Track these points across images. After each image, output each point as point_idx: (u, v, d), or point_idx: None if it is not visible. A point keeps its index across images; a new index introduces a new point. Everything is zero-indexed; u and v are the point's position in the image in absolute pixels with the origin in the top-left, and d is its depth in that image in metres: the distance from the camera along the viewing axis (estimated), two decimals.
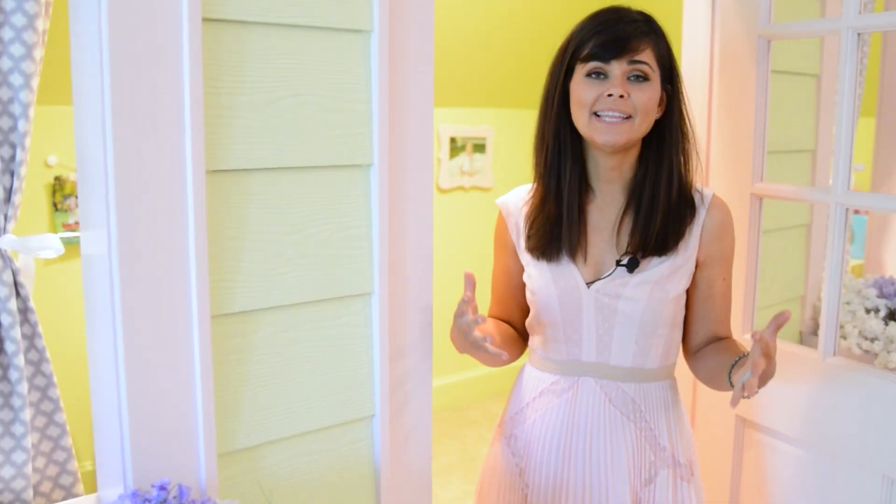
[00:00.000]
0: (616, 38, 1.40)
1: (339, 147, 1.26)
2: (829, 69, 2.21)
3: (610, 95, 1.40)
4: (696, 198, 1.51)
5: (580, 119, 1.44)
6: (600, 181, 1.50)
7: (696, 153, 1.52)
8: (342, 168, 1.27)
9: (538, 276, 1.52)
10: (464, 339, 1.37)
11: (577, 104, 1.44)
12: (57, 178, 3.19)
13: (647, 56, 1.41)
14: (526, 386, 1.60)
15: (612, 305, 1.47)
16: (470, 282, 1.35)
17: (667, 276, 1.47)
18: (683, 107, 1.50)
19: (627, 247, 1.48)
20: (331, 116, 1.24)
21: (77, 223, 3.31)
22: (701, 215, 1.49)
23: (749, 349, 1.38)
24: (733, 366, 1.39)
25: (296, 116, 1.21)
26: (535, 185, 1.55)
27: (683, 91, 1.50)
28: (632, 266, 1.46)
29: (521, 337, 1.65)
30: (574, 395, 1.52)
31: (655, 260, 1.47)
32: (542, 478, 1.54)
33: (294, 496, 1.29)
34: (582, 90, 1.42)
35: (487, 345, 1.33)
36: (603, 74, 1.42)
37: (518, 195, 1.60)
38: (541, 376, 1.57)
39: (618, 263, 1.47)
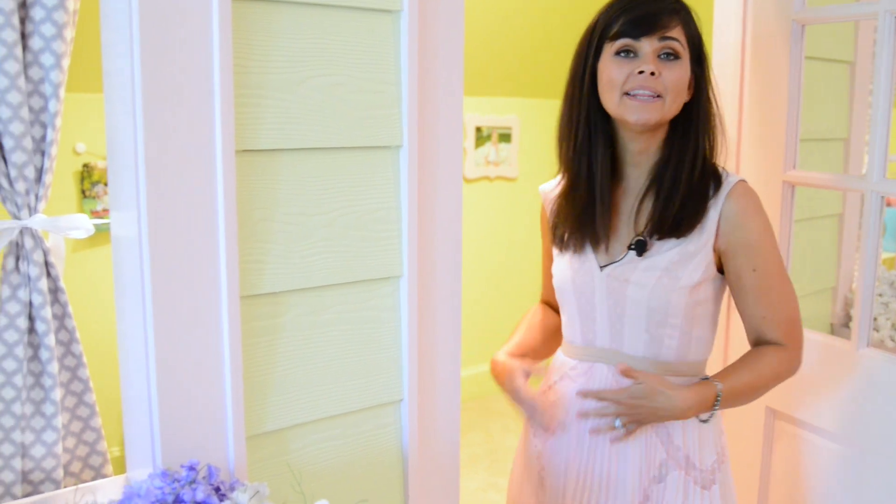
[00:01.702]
0: (646, 14, 1.38)
1: (369, 128, 1.25)
2: (863, 55, 2.18)
3: (640, 73, 1.37)
4: (718, 183, 1.45)
5: (610, 99, 1.41)
6: (628, 165, 1.48)
7: (724, 137, 1.49)
8: (371, 149, 1.26)
9: (557, 259, 1.54)
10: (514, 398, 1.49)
11: (606, 84, 1.41)
12: (85, 166, 3.21)
13: (677, 33, 1.39)
14: (551, 370, 1.59)
15: (622, 290, 1.44)
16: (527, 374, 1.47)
17: (676, 262, 1.42)
18: (711, 90, 1.47)
19: (643, 229, 1.45)
20: (360, 97, 1.24)
21: (105, 210, 3.33)
22: (720, 202, 1.42)
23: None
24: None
25: (325, 97, 1.20)
26: (562, 174, 1.53)
27: (711, 74, 1.47)
28: (639, 249, 1.43)
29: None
30: (587, 380, 1.49)
31: (666, 245, 1.43)
32: (556, 461, 1.53)
33: (321, 479, 1.29)
34: (611, 69, 1.40)
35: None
36: (633, 52, 1.39)
37: (554, 182, 1.59)
38: (564, 360, 1.56)
39: (629, 247, 1.45)
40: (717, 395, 1.40)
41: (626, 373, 1.40)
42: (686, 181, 1.42)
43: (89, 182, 3.28)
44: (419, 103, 1.28)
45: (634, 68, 1.38)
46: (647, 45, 1.38)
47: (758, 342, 1.48)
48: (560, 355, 1.59)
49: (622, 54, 1.39)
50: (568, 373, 1.54)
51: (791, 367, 1.46)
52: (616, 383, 1.46)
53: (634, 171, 1.48)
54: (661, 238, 1.43)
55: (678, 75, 1.39)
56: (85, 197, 3.28)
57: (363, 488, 1.33)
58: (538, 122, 4.49)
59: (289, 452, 1.26)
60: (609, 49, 1.41)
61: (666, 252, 1.43)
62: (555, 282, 1.54)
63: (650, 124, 1.40)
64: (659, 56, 1.38)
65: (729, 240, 1.43)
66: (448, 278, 1.36)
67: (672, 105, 1.40)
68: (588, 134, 1.46)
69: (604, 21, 1.43)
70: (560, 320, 1.60)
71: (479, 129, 4.28)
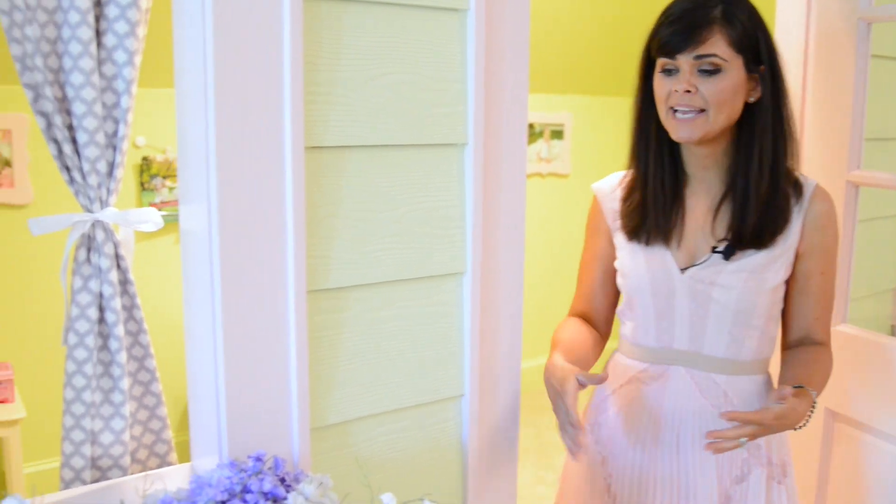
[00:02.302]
0: (682, 30, 1.35)
1: (435, 126, 1.26)
2: None
3: (676, 91, 1.36)
4: (799, 188, 1.45)
5: (660, 113, 1.41)
6: (696, 168, 1.47)
7: (794, 139, 1.47)
8: (437, 147, 1.27)
9: (630, 259, 1.50)
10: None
11: (657, 100, 1.41)
12: (144, 159, 3.28)
13: (715, 46, 1.35)
14: (612, 374, 1.58)
15: (707, 293, 1.43)
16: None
17: (764, 265, 1.42)
18: (780, 89, 1.44)
19: (725, 235, 1.44)
20: (427, 95, 1.25)
21: (163, 202, 3.39)
22: (803, 206, 1.43)
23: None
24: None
25: (392, 95, 1.22)
26: (629, 171, 1.53)
27: (780, 73, 1.43)
28: (728, 253, 1.42)
29: (601, 336, 1.59)
30: (663, 384, 1.48)
31: (751, 249, 1.43)
32: (627, 468, 1.51)
33: (382, 472, 1.30)
34: (658, 86, 1.40)
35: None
36: (673, 69, 1.38)
37: (613, 180, 1.57)
38: (629, 364, 1.54)
39: (713, 250, 1.44)
40: (814, 402, 1.39)
41: (734, 418, 1.30)
42: (756, 187, 1.41)
43: (148, 175, 3.34)
44: (485, 101, 1.28)
45: (674, 86, 1.37)
46: (685, 63, 1.36)
47: (800, 342, 1.50)
48: (622, 359, 1.57)
49: (665, 72, 1.39)
50: (637, 376, 1.52)
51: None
52: (695, 386, 1.46)
53: (704, 173, 1.47)
54: (742, 250, 1.43)
55: (719, 88, 1.36)
56: (143, 189, 3.35)
57: (423, 482, 1.34)
58: (591, 119, 4.46)
59: (350, 445, 1.27)
60: (658, 64, 1.41)
61: (752, 255, 1.43)
62: (628, 282, 1.51)
63: (694, 140, 1.39)
64: (698, 70, 1.36)
65: (810, 242, 1.44)
66: (510, 276, 1.37)
67: (718, 117, 1.37)
68: (652, 139, 1.46)
69: (653, 33, 1.42)
70: (590, 341, 1.55)
71: (531, 126, 4.27)
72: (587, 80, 4.38)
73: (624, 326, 1.57)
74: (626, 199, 1.51)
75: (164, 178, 3.40)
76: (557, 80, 4.28)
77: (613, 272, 1.55)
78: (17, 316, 3.26)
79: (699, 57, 1.35)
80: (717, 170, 1.46)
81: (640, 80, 1.47)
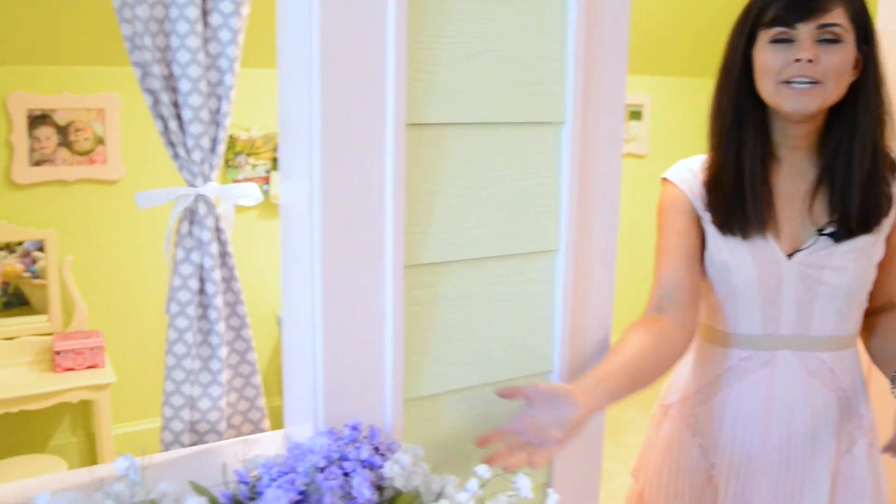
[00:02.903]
0: None
1: (533, 104, 1.26)
2: None
3: (798, 60, 1.32)
4: (893, 166, 1.43)
5: (766, 87, 1.38)
6: (787, 149, 1.44)
7: (892, 119, 1.44)
8: (535, 125, 1.27)
9: (730, 252, 1.46)
10: None
11: (762, 72, 1.37)
12: (230, 137, 3.36)
13: (837, 16, 1.32)
14: (707, 364, 1.56)
15: (817, 276, 1.42)
16: None
17: (871, 242, 1.42)
18: (879, 69, 1.41)
19: (829, 218, 1.42)
20: (526, 73, 1.25)
21: (245, 179, 3.47)
22: None
23: None
24: None
25: (493, 73, 1.23)
26: (710, 157, 1.50)
27: (879, 52, 1.40)
28: (839, 236, 1.40)
29: (684, 330, 1.44)
30: (771, 370, 1.47)
31: (862, 233, 1.42)
32: (735, 456, 1.50)
33: (470, 446, 1.32)
34: (767, 57, 1.36)
35: None
36: (789, 39, 1.34)
37: (692, 166, 1.53)
38: (726, 353, 1.52)
39: (819, 233, 1.41)
40: None
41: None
42: (859, 168, 1.38)
43: (232, 152, 3.42)
44: (584, 80, 1.28)
45: (791, 56, 1.33)
46: (804, 32, 1.33)
47: (883, 308, 1.51)
48: (714, 349, 1.54)
49: (778, 42, 1.35)
50: (738, 365, 1.50)
51: None
52: (804, 368, 1.45)
53: (795, 154, 1.44)
54: (851, 234, 1.42)
55: (839, 60, 1.33)
56: (228, 166, 3.43)
57: None
58: (670, 100, 4.40)
59: (441, 417, 1.30)
60: (764, 36, 1.37)
61: (862, 235, 1.42)
62: (732, 275, 1.46)
63: (808, 113, 1.36)
64: (817, 41, 1.33)
65: None
66: (603, 256, 1.37)
67: (834, 91, 1.35)
68: (738, 120, 1.43)
69: (758, 6, 1.38)
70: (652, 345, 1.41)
71: None
72: (666, 61, 4.32)
73: (714, 317, 1.53)
74: (714, 186, 1.48)
75: (248, 155, 3.48)
76: (636, 60, 4.22)
77: (700, 257, 1.51)
78: (108, 287, 3.39)
79: (822, 26, 1.32)
80: (809, 151, 1.43)
81: (732, 56, 1.43)
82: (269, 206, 3.58)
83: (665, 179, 1.55)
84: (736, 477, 1.50)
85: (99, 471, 1.13)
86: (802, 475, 1.46)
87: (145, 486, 0.98)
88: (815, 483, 1.45)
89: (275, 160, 3.53)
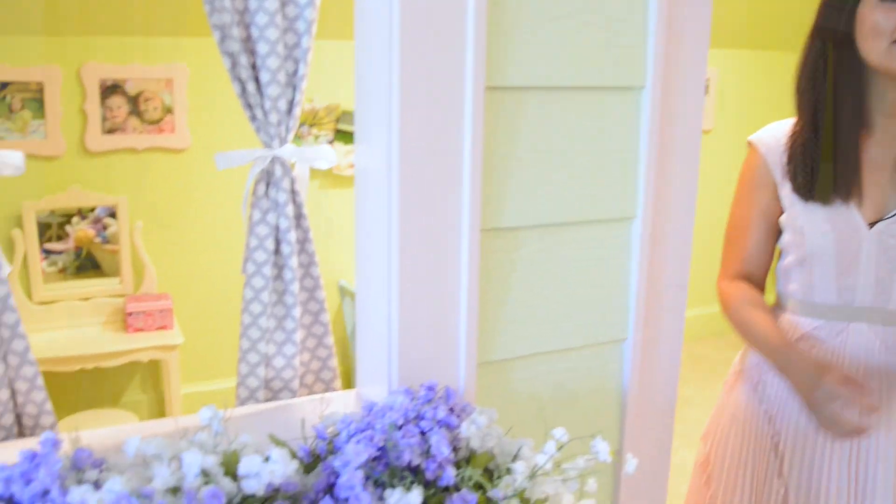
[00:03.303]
0: None
1: (613, 69, 1.25)
2: None
3: None
4: None
5: (874, 48, 1.33)
6: (883, 115, 1.40)
7: None
8: (614, 90, 1.26)
9: (807, 218, 1.44)
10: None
11: (871, 32, 1.32)
12: None
13: None
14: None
15: None
16: None
17: None
18: None
19: None
20: (607, 37, 1.23)
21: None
22: None
23: None
24: None
25: (572, 36, 1.21)
26: (799, 122, 1.47)
27: None
28: None
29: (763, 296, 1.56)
30: (843, 340, 1.44)
31: None
32: (800, 427, 1.48)
33: (541, 410, 1.33)
34: (877, 16, 1.31)
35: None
36: None
37: (776, 131, 1.51)
38: (798, 321, 1.50)
39: None
40: None
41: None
42: None
43: None
44: (665, 45, 1.26)
45: None
46: None
47: None
48: (787, 317, 1.52)
49: (890, 0, 1.30)
50: (810, 334, 1.48)
51: None
52: (880, 342, 1.42)
53: (890, 121, 1.40)
54: None
55: None
56: None
57: (580, 423, 1.36)
58: (737, 73, 4.31)
59: (513, 381, 1.30)
60: None
61: None
62: (807, 241, 1.45)
63: None
64: None
65: None
66: (680, 223, 1.35)
67: None
68: (834, 83, 1.39)
69: None
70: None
71: None
72: (733, 34, 4.22)
73: (788, 285, 1.52)
74: (798, 151, 1.46)
75: (311, 126, 3.51)
76: None
77: (777, 230, 1.50)
78: (177, 251, 3.47)
79: None
80: None
81: (833, 16, 1.38)
82: (329, 176, 3.61)
83: (750, 143, 1.54)
84: (802, 448, 1.48)
85: (183, 421, 1.16)
86: (868, 454, 1.43)
87: (227, 437, 1.01)
88: (888, 460, 1.43)
89: (337, 131, 3.55)
